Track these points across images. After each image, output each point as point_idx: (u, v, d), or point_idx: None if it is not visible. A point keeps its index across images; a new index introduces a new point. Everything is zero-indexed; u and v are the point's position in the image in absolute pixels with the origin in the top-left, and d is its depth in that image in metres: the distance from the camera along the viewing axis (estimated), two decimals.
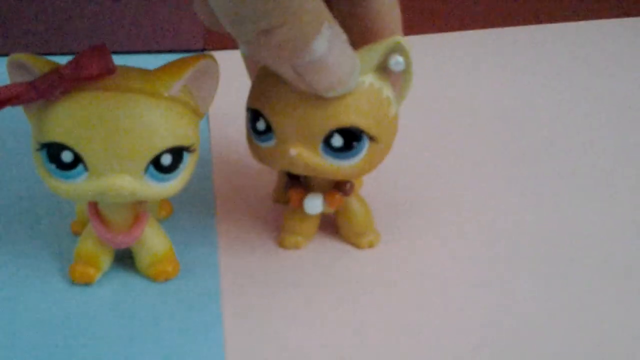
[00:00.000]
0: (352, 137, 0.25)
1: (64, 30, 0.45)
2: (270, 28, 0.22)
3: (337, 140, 0.25)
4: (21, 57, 0.24)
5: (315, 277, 0.29)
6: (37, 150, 0.24)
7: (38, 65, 0.24)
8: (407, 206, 0.33)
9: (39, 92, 0.23)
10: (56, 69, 0.23)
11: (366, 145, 0.26)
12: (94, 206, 0.27)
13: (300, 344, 0.25)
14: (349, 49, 0.24)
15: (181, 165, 0.25)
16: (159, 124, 0.24)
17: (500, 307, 0.27)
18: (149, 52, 0.44)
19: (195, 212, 0.32)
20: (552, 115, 0.42)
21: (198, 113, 0.25)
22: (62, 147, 0.24)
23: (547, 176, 0.36)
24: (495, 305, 0.27)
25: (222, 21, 0.22)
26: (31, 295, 0.27)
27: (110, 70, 0.23)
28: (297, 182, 0.29)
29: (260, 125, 0.26)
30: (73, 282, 0.27)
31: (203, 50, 0.45)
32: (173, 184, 0.25)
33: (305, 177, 0.29)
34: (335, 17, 0.24)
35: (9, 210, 0.31)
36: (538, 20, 0.56)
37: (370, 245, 0.30)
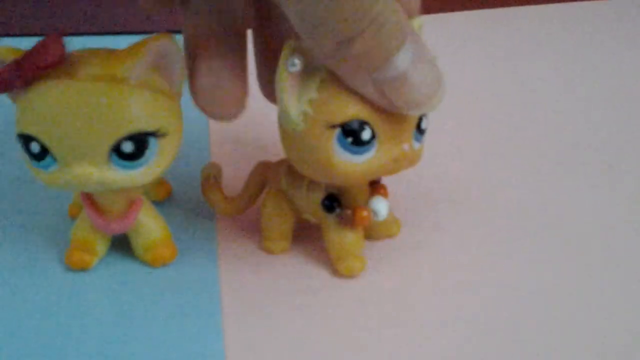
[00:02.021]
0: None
1: (60, 12, 0.45)
2: (351, 36, 0.21)
3: (425, 124, 0.25)
4: None
5: (314, 263, 0.28)
6: (16, 140, 0.24)
7: (4, 54, 0.24)
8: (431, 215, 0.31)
9: (2, 83, 0.23)
10: (15, 60, 0.23)
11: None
12: (86, 193, 0.26)
13: (299, 329, 0.25)
14: (435, 67, 0.23)
15: (148, 152, 0.24)
16: (115, 110, 0.23)
17: (514, 314, 0.26)
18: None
19: (193, 196, 0.31)
20: (563, 105, 0.41)
21: (170, 95, 0.25)
22: (30, 138, 0.24)
23: (562, 172, 0.34)
24: (509, 310, 0.26)
25: (302, 31, 0.22)
26: (28, 281, 0.27)
27: (62, 58, 0.23)
28: (337, 208, 0.27)
29: (366, 134, 0.24)
30: (69, 268, 0.27)
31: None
32: (143, 171, 0.24)
33: (345, 198, 0.27)
34: None
35: (4, 194, 0.32)
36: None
37: (398, 232, 0.30)
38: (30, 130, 0.23)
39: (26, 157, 0.24)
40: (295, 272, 0.28)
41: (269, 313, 0.26)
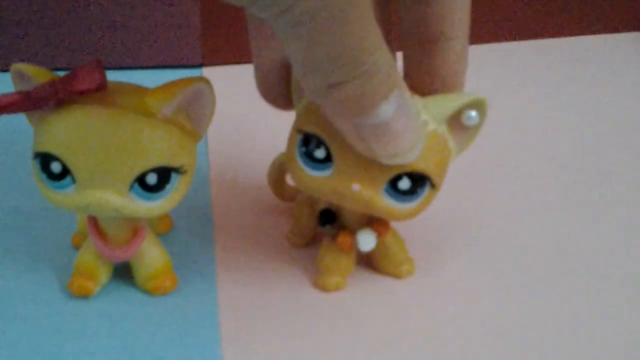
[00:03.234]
0: (418, 182, 0.25)
1: (64, 46, 0.46)
2: (340, 82, 0.21)
3: (405, 184, 0.25)
4: (21, 67, 0.24)
5: (314, 291, 0.29)
6: (33, 159, 0.25)
7: (37, 75, 0.24)
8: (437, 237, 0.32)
9: (33, 102, 0.24)
10: (51, 81, 0.24)
11: (426, 191, 0.25)
12: (93, 220, 0.27)
13: (299, 357, 0.25)
14: (415, 123, 0.24)
15: (168, 186, 0.25)
16: (146, 142, 0.24)
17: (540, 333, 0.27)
18: (147, 67, 0.45)
19: (193, 226, 0.32)
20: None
21: (193, 135, 0.25)
22: (52, 157, 0.24)
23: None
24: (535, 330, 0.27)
25: (294, 66, 0.22)
26: (29, 308, 0.27)
27: (102, 86, 0.23)
28: (333, 227, 0.28)
29: (319, 153, 0.25)
30: (72, 295, 0.28)
31: (201, 65, 0.45)
32: (160, 204, 0.25)
33: (342, 216, 0.28)
34: (395, 20, 0.23)
35: (8, 222, 0.32)
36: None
37: (410, 273, 0.29)
38: (54, 150, 0.24)
39: (40, 177, 0.25)
40: (296, 302, 0.28)
41: (269, 343, 0.26)
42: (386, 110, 0.22)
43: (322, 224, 0.28)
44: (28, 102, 0.24)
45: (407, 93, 0.23)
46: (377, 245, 0.28)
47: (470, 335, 0.27)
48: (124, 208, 0.24)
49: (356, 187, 0.24)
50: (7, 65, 0.25)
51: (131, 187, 0.24)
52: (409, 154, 0.24)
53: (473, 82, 0.47)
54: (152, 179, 0.24)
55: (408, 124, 0.23)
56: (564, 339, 0.27)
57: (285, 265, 0.30)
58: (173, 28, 0.47)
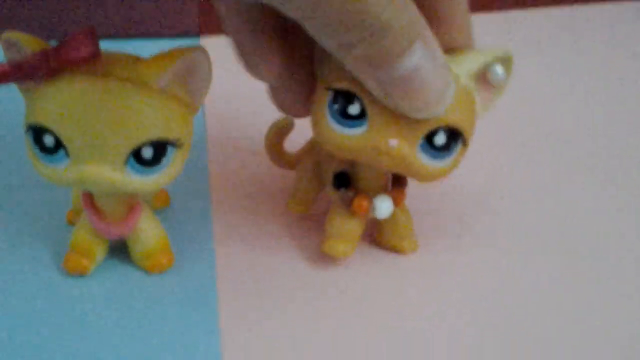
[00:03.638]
0: (453, 137, 0.24)
1: (58, 15, 0.45)
2: (350, 43, 0.21)
3: (441, 139, 0.24)
4: (12, 35, 0.23)
5: (314, 267, 0.28)
6: (25, 131, 0.24)
7: (28, 44, 0.23)
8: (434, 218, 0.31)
9: (24, 72, 0.23)
10: (42, 50, 0.23)
11: (458, 148, 0.25)
12: (88, 196, 0.26)
13: (296, 335, 0.25)
14: (442, 73, 0.23)
15: (164, 160, 0.24)
16: (142, 114, 0.23)
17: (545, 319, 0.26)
18: (144, 37, 0.44)
19: (191, 202, 0.31)
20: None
21: (190, 107, 0.25)
22: (45, 130, 0.23)
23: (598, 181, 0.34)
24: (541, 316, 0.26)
25: (307, 29, 0.22)
26: (25, 286, 0.27)
27: (95, 55, 0.22)
28: (348, 191, 0.28)
29: (354, 109, 0.24)
30: (67, 273, 0.27)
31: (199, 34, 0.44)
32: (155, 178, 0.24)
33: (358, 180, 0.28)
34: None
35: (2, 200, 0.31)
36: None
37: (413, 249, 0.29)
38: (47, 122, 0.23)
39: (33, 150, 0.24)
40: (294, 278, 0.28)
41: (267, 319, 0.26)
42: (407, 64, 0.22)
43: (337, 187, 0.28)
44: (19, 72, 0.23)
45: (434, 44, 0.23)
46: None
47: (474, 312, 0.26)
48: (119, 183, 0.24)
49: (394, 142, 0.24)
50: None
51: (127, 161, 0.23)
52: (437, 106, 0.23)
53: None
54: (147, 152, 0.23)
55: (433, 75, 0.23)
56: (566, 316, 0.26)
57: (285, 240, 0.30)
58: None
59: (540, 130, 0.38)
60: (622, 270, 0.29)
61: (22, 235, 0.29)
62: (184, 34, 0.44)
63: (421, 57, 0.22)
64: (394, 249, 0.29)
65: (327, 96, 0.25)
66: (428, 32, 0.22)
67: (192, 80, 0.24)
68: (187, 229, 0.30)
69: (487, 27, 0.50)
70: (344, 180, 0.28)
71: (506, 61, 0.25)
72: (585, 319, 0.26)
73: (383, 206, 0.27)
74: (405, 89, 0.22)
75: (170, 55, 0.23)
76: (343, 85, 0.24)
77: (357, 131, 0.24)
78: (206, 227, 0.30)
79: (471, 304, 0.27)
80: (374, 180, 0.27)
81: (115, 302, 0.26)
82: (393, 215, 0.28)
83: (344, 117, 0.24)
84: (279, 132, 0.31)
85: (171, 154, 0.24)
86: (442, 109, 0.23)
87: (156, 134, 0.23)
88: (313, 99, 0.26)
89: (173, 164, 0.24)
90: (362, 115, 0.24)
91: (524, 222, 0.31)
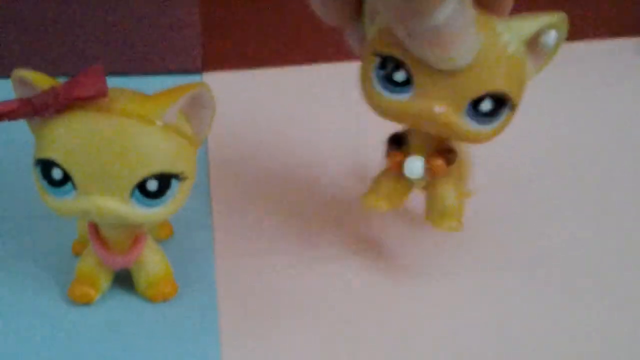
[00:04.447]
0: (500, 103, 0.24)
1: (65, 52, 0.46)
2: None
3: (487, 105, 0.24)
4: (23, 73, 0.24)
5: (315, 295, 0.29)
6: (34, 165, 0.25)
7: (39, 82, 0.24)
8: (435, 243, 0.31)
9: (34, 109, 0.24)
10: (52, 88, 0.24)
11: (506, 113, 0.25)
12: (94, 226, 0.27)
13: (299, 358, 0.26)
14: (471, 28, 0.23)
15: (168, 192, 0.25)
16: (147, 149, 0.24)
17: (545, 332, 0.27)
18: (147, 73, 0.45)
19: (194, 233, 0.32)
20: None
21: (193, 142, 0.25)
22: (53, 164, 0.24)
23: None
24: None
25: None
26: (30, 315, 0.27)
27: (103, 92, 0.23)
28: (398, 148, 0.28)
29: (400, 75, 0.24)
30: (72, 302, 0.28)
31: (202, 71, 0.45)
32: (160, 210, 0.25)
33: (409, 139, 0.27)
34: None
35: (9, 229, 0.32)
36: None
37: (451, 229, 0.28)
38: (55, 157, 0.24)
39: (41, 183, 0.25)
40: (297, 307, 0.28)
41: (269, 351, 0.26)
42: (440, 15, 0.22)
43: (390, 146, 0.28)
44: (29, 109, 0.24)
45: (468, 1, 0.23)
46: (431, 187, 0.28)
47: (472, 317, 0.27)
48: (124, 214, 0.24)
49: (439, 109, 0.24)
50: (8, 72, 0.25)
51: (132, 193, 0.24)
52: (461, 60, 0.23)
53: None
54: (152, 185, 0.24)
55: (462, 31, 0.23)
56: (564, 328, 0.27)
57: (287, 273, 0.30)
58: (173, 33, 0.47)
59: (534, 160, 0.39)
60: (623, 289, 0.29)
61: (28, 264, 0.30)
62: (187, 70, 0.45)
63: (453, 10, 0.22)
64: (434, 225, 0.28)
65: (374, 62, 0.25)
66: None
67: (195, 115, 0.25)
68: (190, 260, 0.30)
69: None
70: (398, 141, 0.28)
71: (561, 24, 0.24)
72: (585, 335, 0.27)
73: (412, 165, 0.27)
74: (433, 40, 0.23)
75: (174, 91, 0.24)
76: (390, 51, 0.24)
77: (403, 97, 0.25)
78: (208, 257, 0.31)
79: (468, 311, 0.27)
80: (425, 144, 0.27)
81: (119, 330, 0.27)
82: (434, 188, 0.28)
83: (391, 83, 0.25)
84: None
85: (175, 186, 0.25)
86: (466, 63, 0.24)
87: (161, 167, 0.24)
88: (361, 60, 0.26)
89: (177, 196, 0.25)
90: (408, 81, 0.24)
91: (524, 244, 0.32)
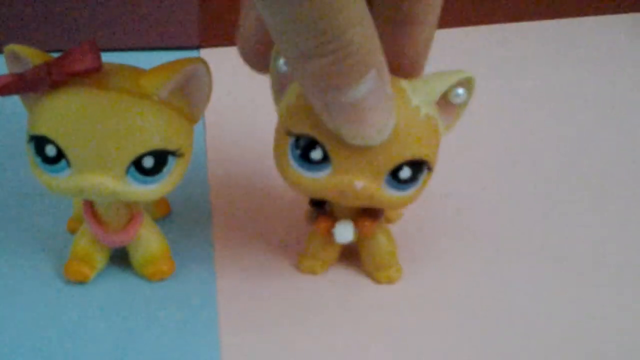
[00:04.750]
0: (418, 168, 0.25)
1: (58, 27, 0.45)
2: (312, 54, 0.21)
3: (406, 173, 0.24)
4: (16, 48, 0.24)
5: (312, 279, 0.28)
6: (27, 142, 0.24)
7: (32, 56, 0.24)
8: (430, 234, 0.31)
9: (26, 84, 0.23)
10: (45, 62, 0.23)
11: (424, 175, 0.25)
12: (89, 204, 0.26)
13: (296, 345, 0.25)
14: (390, 104, 0.23)
15: (165, 169, 0.24)
16: (143, 125, 0.23)
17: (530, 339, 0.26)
18: (143, 49, 0.44)
19: (191, 210, 0.32)
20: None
21: (190, 118, 0.25)
22: (47, 140, 0.23)
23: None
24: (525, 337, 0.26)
25: (271, 33, 0.21)
26: (25, 294, 0.27)
27: (97, 67, 0.23)
28: (322, 210, 0.28)
29: (316, 154, 0.24)
30: (68, 281, 0.27)
31: (199, 47, 0.45)
32: (156, 188, 0.24)
33: (332, 205, 0.28)
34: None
35: (3, 207, 0.31)
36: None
37: (389, 281, 0.28)
38: (49, 133, 0.23)
39: (35, 160, 0.24)
40: (294, 287, 0.28)
41: (267, 328, 0.26)
42: (360, 90, 0.22)
43: (313, 205, 0.28)
44: (22, 84, 0.23)
45: (387, 75, 0.23)
46: (362, 242, 0.28)
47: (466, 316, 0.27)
48: (120, 192, 0.24)
49: (359, 184, 0.24)
50: (0, 47, 0.24)
51: (127, 170, 0.24)
52: (377, 137, 0.23)
53: (470, 65, 0.46)
54: (148, 162, 0.24)
55: (380, 107, 0.22)
56: (562, 322, 0.27)
57: (284, 249, 0.30)
58: (170, 8, 0.47)
59: (531, 139, 0.38)
60: (617, 275, 0.29)
61: (23, 242, 0.29)
62: (184, 46, 0.45)
63: (373, 85, 0.22)
64: (370, 278, 0.28)
65: (288, 141, 0.25)
66: (384, 62, 0.22)
67: (192, 91, 0.24)
68: (188, 237, 0.30)
69: (481, 40, 0.50)
70: (320, 202, 0.28)
71: (468, 82, 0.25)
72: (582, 325, 0.27)
73: (342, 231, 0.27)
74: (350, 115, 0.22)
75: (170, 67, 0.24)
76: (303, 130, 0.24)
77: (321, 174, 0.25)
78: (206, 234, 0.30)
79: (463, 308, 0.27)
80: (347, 208, 0.27)
81: (115, 309, 0.26)
82: (370, 244, 0.28)
83: (307, 161, 0.24)
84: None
85: (172, 163, 0.24)
86: (380, 140, 0.23)
87: (157, 144, 0.24)
88: (274, 140, 0.26)
89: (173, 174, 0.25)
90: (325, 159, 0.24)
91: (514, 229, 0.31)
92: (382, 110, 0.23)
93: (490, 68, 0.46)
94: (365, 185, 0.24)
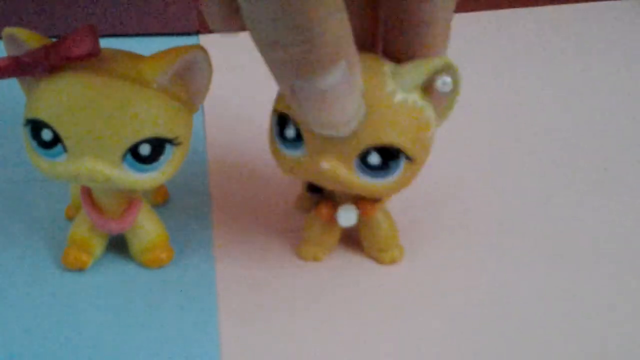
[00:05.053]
0: (389, 156, 0.24)
1: (57, 12, 0.45)
2: (281, 43, 0.20)
3: (374, 159, 0.24)
4: (14, 31, 0.24)
5: (312, 265, 0.28)
6: (24, 125, 0.24)
7: (30, 40, 0.24)
8: (431, 219, 0.31)
9: (24, 67, 0.23)
10: (43, 46, 0.23)
11: (402, 165, 0.24)
12: (87, 191, 0.26)
13: (296, 332, 0.25)
14: (357, 97, 0.23)
15: (162, 158, 0.24)
16: (140, 112, 0.23)
17: (529, 323, 0.26)
18: (142, 35, 0.44)
19: (191, 198, 0.32)
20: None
21: (189, 105, 0.25)
22: (43, 124, 0.23)
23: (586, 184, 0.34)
24: (523, 321, 0.26)
25: (244, 18, 0.21)
26: (23, 281, 0.27)
27: (95, 52, 0.23)
28: (322, 195, 0.28)
29: (290, 132, 0.25)
30: (66, 268, 0.27)
31: (198, 33, 0.45)
32: (152, 176, 0.24)
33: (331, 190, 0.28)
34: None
35: (1, 194, 0.31)
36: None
37: (393, 261, 0.28)
38: (45, 117, 0.23)
39: (31, 144, 0.24)
40: (293, 274, 0.28)
41: (266, 315, 0.26)
42: (327, 80, 0.21)
43: (310, 191, 0.28)
44: (19, 67, 0.23)
45: (357, 67, 0.22)
46: (364, 225, 0.28)
47: (451, 310, 0.27)
48: (115, 179, 0.24)
49: (325, 165, 0.24)
50: None
51: (123, 157, 0.24)
52: (344, 127, 0.23)
53: (471, 51, 0.46)
54: (145, 149, 0.24)
55: (348, 98, 0.22)
56: (552, 312, 0.26)
57: (283, 236, 0.30)
58: None
59: (532, 130, 0.38)
60: (617, 270, 0.29)
61: (20, 229, 0.29)
62: (184, 32, 0.44)
63: (342, 76, 0.22)
64: (374, 260, 0.29)
65: (274, 119, 0.25)
66: (354, 55, 0.22)
67: (192, 78, 0.24)
68: (187, 225, 0.30)
69: (481, 25, 0.50)
70: (316, 187, 0.28)
71: (449, 69, 0.24)
72: (578, 321, 0.26)
73: (345, 215, 0.27)
74: (317, 103, 0.22)
75: (170, 53, 0.23)
76: (282, 108, 0.25)
77: (297, 153, 0.25)
78: (205, 222, 0.30)
79: (462, 300, 0.27)
80: (347, 192, 0.27)
81: (114, 297, 0.26)
82: (370, 226, 0.28)
83: (284, 139, 0.25)
84: None
85: (169, 151, 0.24)
86: (348, 131, 0.23)
87: (154, 131, 0.23)
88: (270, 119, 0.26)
89: (171, 162, 0.24)
90: (299, 137, 0.24)
91: (511, 222, 0.31)
92: (350, 102, 0.22)
93: (486, 55, 0.46)
94: (332, 166, 0.24)
